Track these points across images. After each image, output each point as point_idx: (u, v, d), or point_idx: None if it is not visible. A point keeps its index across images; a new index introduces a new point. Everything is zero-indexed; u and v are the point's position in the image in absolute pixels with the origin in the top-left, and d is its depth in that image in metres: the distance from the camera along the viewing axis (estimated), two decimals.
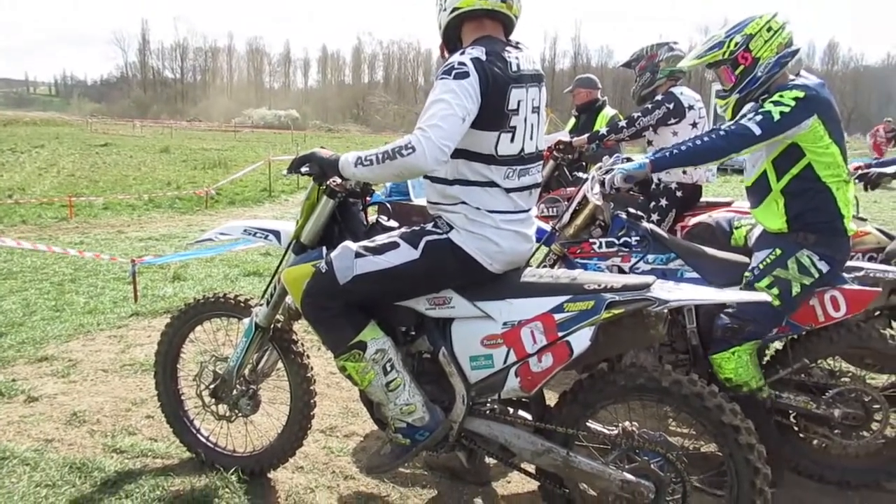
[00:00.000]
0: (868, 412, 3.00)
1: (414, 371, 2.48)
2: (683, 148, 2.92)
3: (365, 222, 2.70)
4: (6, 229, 9.87)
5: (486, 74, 2.16)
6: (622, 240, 3.24)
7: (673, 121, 4.48)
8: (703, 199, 4.68)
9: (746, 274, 2.99)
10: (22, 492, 2.84)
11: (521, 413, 2.50)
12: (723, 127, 2.92)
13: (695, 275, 3.12)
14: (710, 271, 3.14)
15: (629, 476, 2.28)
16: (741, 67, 3.00)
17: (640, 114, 4.53)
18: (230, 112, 65.17)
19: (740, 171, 22.02)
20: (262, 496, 2.89)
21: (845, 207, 2.94)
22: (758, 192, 3.05)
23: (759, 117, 2.79)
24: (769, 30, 2.96)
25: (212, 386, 2.99)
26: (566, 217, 3.41)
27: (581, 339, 2.21)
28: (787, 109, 2.77)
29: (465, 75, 2.14)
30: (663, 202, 4.55)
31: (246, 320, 2.90)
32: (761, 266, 2.95)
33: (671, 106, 4.45)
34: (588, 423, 2.42)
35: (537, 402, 2.52)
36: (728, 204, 4.34)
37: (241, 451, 3.13)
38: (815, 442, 3.16)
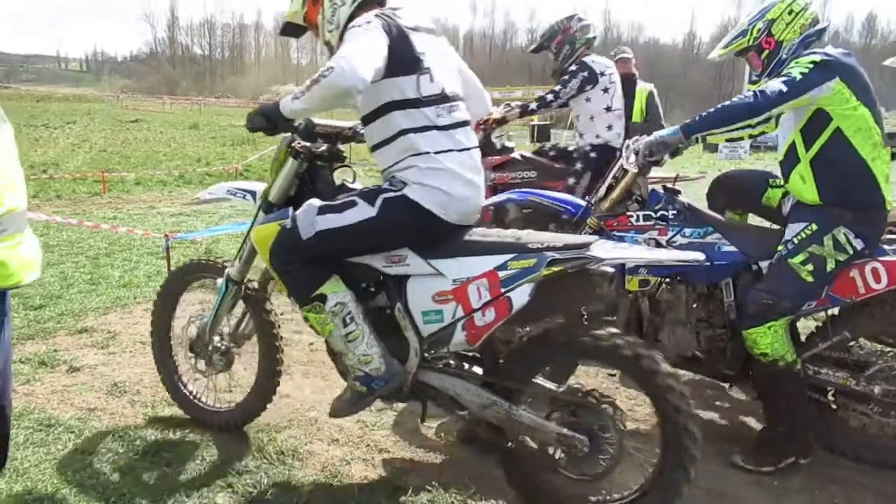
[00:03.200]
0: None
1: (373, 324, 2.58)
2: (712, 110, 2.89)
3: (333, 184, 2.83)
4: (42, 204, 10.06)
5: (386, 23, 2.38)
6: (659, 213, 3.23)
7: (588, 87, 4.77)
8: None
9: (780, 247, 2.97)
10: (67, 458, 2.93)
11: (473, 368, 2.64)
12: (750, 90, 2.88)
13: (732, 248, 3.10)
14: (748, 244, 3.12)
15: (565, 430, 2.40)
16: (766, 52, 3.06)
17: (560, 85, 4.80)
18: (258, 88, 65.43)
19: (774, 149, 21.77)
20: (299, 468, 2.95)
21: (883, 178, 2.89)
22: (788, 163, 3.04)
23: (783, 78, 2.80)
24: (790, 13, 3.01)
25: (189, 342, 3.21)
26: (602, 191, 3.39)
27: (521, 295, 2.32)
28: (805, 70, 2.78)
29: (368, 23, 2.36)
30: (578, 166, 4.81)
31: (220, 279, 3.09)
32: (795, 241, 2.92)
33: (586, 74, 4.74)
34: (534, 380, 2.52)
35: (489, 358, 2.63)
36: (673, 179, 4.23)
37: (219, 407, 3.31)
38: (851, 420, 3.13)
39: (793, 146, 3.00)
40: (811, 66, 2.80)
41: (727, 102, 2.88)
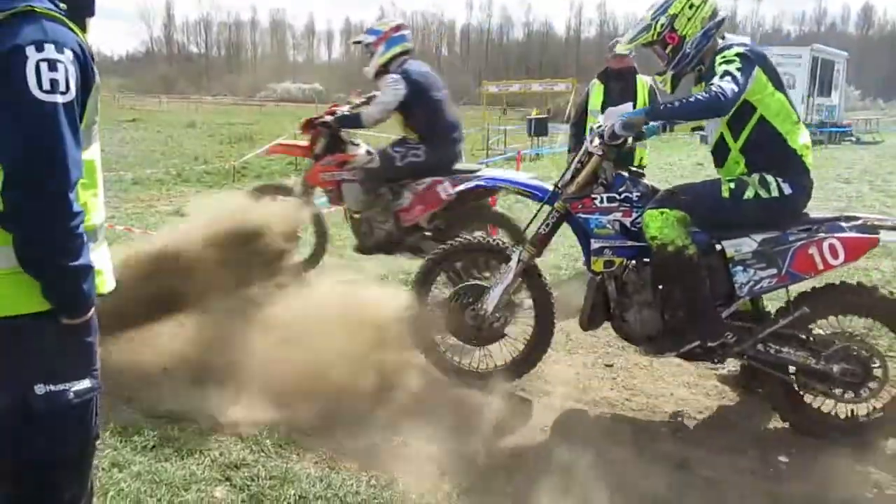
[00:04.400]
0: (867, 370, 3.09)
1: None
2: (677, 104, 3.02)
3: None
4: None
5: None
6: (623, 195, 3.33)
7: None
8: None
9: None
10: None
11: None
12: (704, 90, 3.01)
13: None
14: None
15: None
16: (670, 47, 3.22)
17: None
18: (255, 86, 65.36)
19: None
20: (296, 461, 2.96)
21: (803, 148, 3.13)
22: (719, 153, 3.29)
23: (728, 77, 2.95)
24: (691, 7, 3.16)
25: None
26: (568, 175, 3.44)
27: None
28: (740, 65, 2.98)
29: None
30: None
31: None
32: (731, 176, 3.21)
33: None
34: None
35: None
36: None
37: None
38: (817, 404, 3.24)
39: (721, 138, 3.22)
40: (739, 59, 2.99)
41: (693, 98, 3.00)
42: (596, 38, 79.10)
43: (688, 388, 3.83)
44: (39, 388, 1.64)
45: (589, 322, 3.48)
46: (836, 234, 3.05)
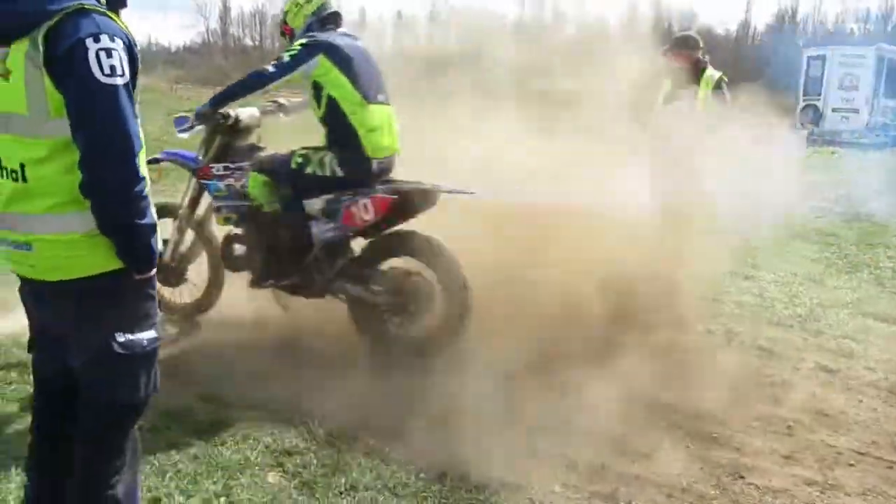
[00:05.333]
0: (408, 298, 3.81)
1: None
2: (229, 86, 3.81)
3: None
4: None
5: None
6: (237, 164, 4.02)
7: None
8: None
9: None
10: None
11: None
12: (255, 69, 3.78)
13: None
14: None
15: None
16: (287, 36, 4.03)
17: None
18: None
19: (831, 142, 21.04)
20: (346, 450, 2.99)
21: (366, 130, 3.71)
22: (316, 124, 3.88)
23: (275, 61, 3.69)
24: (297, 5, 3.94)
25: None
26: (203, 149, 4.14)
27: None
28: (294, 52, 3.67)
29: None
30: None
31: None
32: (305, 150, 3.84)
33: None
34: None
35: None
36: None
37: None
38: (392, 328, 3.92)
39: (312, 111, 3.84)
40: (299, 48, 3.67)
41: (243, 78, 3.78)
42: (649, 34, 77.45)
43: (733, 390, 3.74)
44: (120, 336, 1.86)
45: (228, 267, 4.16)
46: (369, 195, 3.71)
